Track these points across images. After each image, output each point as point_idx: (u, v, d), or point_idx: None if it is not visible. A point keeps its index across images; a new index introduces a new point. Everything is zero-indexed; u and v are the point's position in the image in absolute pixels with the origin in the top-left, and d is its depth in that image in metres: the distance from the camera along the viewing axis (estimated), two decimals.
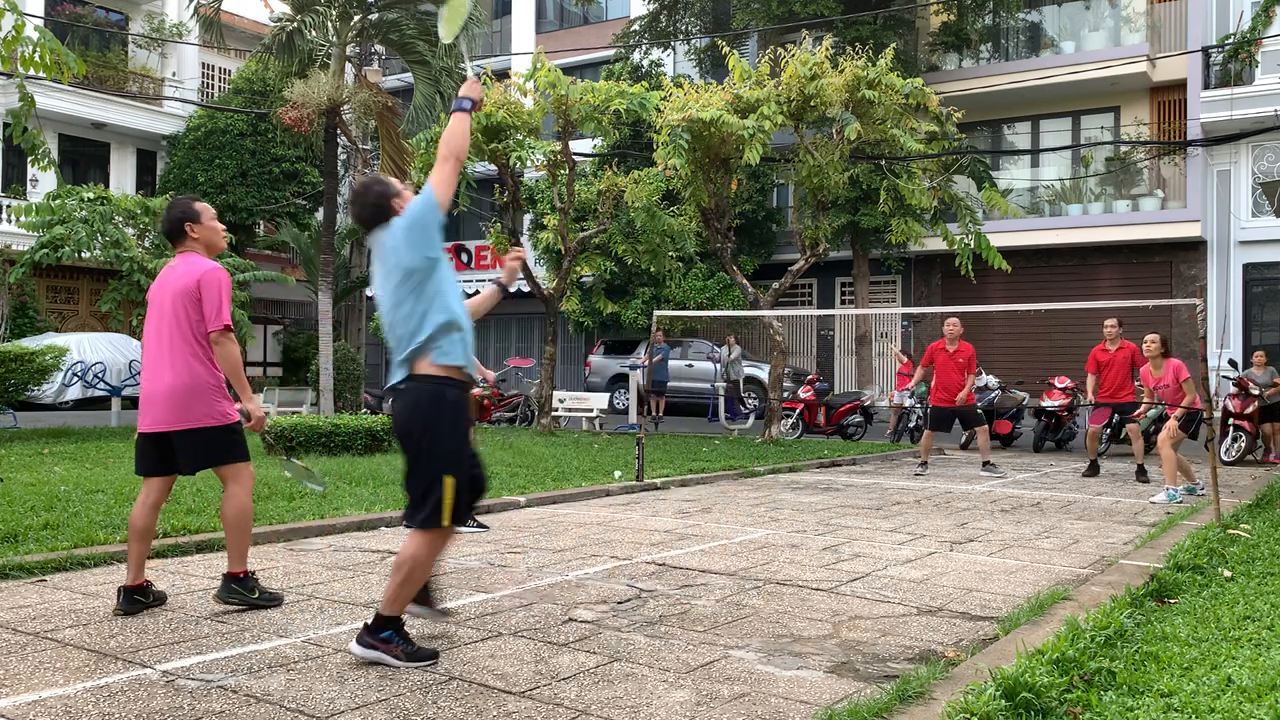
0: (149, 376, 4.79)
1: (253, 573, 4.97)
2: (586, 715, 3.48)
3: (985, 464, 12.04)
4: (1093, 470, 12.14)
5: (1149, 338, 10.29)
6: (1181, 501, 9.57)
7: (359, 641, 4.00)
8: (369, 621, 4.03)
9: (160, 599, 4.91)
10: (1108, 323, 11.62)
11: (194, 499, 7.84)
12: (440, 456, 3.93)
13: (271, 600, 4.94)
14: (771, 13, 22.36)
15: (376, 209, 4.07)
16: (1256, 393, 13.62)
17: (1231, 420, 13.59)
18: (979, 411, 12.28)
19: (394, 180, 4.17)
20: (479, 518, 7.60)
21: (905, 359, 18.67)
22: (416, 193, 4.10)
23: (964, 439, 15.84)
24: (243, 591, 4.88)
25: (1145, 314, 21.16)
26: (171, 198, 4.49)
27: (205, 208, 4.97)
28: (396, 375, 4.03)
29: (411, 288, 3.95)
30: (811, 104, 14.92)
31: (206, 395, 4.71)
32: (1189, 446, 14.99)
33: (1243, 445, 13.59)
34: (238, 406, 4.91)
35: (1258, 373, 14.27)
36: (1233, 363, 15.23)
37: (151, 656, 4.06)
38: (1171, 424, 9.78)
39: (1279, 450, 14.12)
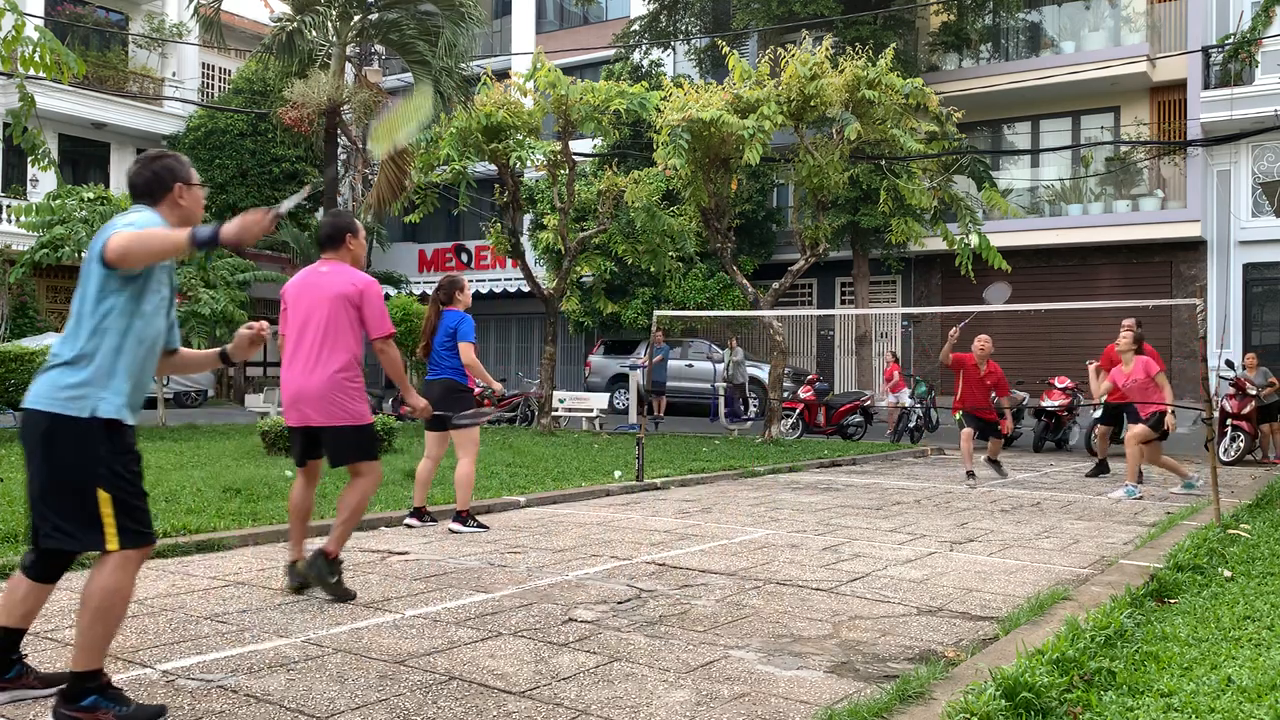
0: (299, 372, 5.00)
1: (341, 560, 5.17)
2: (586, 715, 3.48)
3: (990, 460, 11.63)
4: (1100, 469, 12.14)
5: (1125, 323, 10.29)
6: (1140, 498, 9.77)
7: (55, 716, 3.21)
8: (64, 689, 3.25)
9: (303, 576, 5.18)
10: (1125, 323, 11.20)
11: (194, 499, 7.84)
12: (76, 475, 3.24)
13: (344, 595, 5.09)
14: (771, 13, 22.35)
15: (155, 179, 3.53)
16: (1253, 393, 13.64)
17: (1230, 421, 13.61)
18: (998, 427, 11.59)
19: (191, 169, 3.65)
20: (479, 518, 7.60)
21: (893, 360, 18.67)
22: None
23: None
24: (326, 570, 5.06)
25: (1145, 314, 21.14)
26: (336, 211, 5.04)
27: (361, 226, 5.24)
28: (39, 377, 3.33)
29: (92, 284, 3.30)
30: (811, 104, 14.93)
31: (350, 395, 4.98)
32: (1188, 445, 14.99)
33: (1241, 445, 13.60)
34: (405, 409, 5.60)
35: (1250, 374, 14.31)
36: (1229, 363, 15.24)
37: (151, 656, 4.06)
38: (1141, 426, 9.88)
39: (1278, 450, 14.13)
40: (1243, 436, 13.63)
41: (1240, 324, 21.32)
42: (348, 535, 5.17)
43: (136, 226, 3.31)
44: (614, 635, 4.51)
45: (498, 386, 7.85)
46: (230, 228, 3.20)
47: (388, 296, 24.65)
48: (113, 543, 3.27)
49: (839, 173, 15.46)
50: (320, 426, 4.98)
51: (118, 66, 28.67)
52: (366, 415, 5.04)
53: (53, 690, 3.43)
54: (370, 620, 4.71)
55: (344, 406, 4.95)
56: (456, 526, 7.32)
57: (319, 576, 5.05)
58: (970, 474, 11.26)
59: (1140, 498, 9.80)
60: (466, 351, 7.22)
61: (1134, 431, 10.04)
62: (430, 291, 7.82)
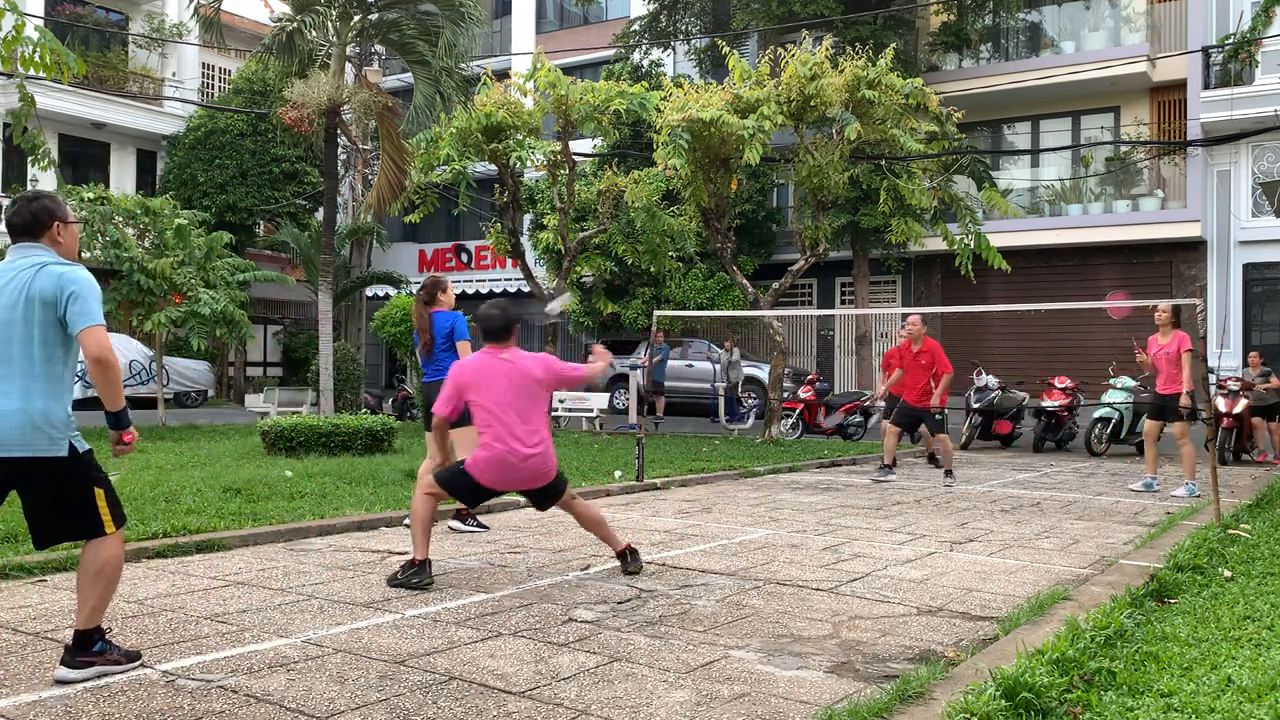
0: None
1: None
2: (586, 715, 3.48)
3: (946, 472, 10.99)
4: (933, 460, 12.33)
5: (1161, 306, 10.24)
6: (1199, 495, 9.70)
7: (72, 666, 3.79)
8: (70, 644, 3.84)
9: None
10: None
11: (194, 499, 7.84)
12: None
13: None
14: (771, 13, 22.35)
15: (34, 219, 3.89)
16: (1236, 388, 13.65)
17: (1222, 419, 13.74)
18: (938, 418, 10.94)
19: (66, 208, 4.01)
20: (479, 517, 7.60)
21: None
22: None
23: (964, 439, 15.83)
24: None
25: (1145, 314, 21.14)
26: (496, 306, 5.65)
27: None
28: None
29: (46, 335, 3.74)
30: (811, 104, 14.92)
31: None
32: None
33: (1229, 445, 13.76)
34: None
35: (1252, 373, 14.35)
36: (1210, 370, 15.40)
37: (151, 657, 4.06)
38: (1180, 423, 9.85)
39: (1277, 450, 14.15)
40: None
41: (1240, 324, 21.33)
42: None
43: (82, 295, 3.76)
44: (614, 635, 4.51)
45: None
46: (132, 433, 3.95)
47: (387, 297, 24.67)
48: None
49: (839, 173, 15.45)
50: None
51: (118, 66, 28.66)
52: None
53: None
54: (370, 620, 4.71)
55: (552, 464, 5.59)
56: (456, 524, 7.32)
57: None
58: (888, 467, 11.26)
59: (1199, 495, 9.67)
60: (465, 350, 7.21)
61: (1177, 429, 9.96)
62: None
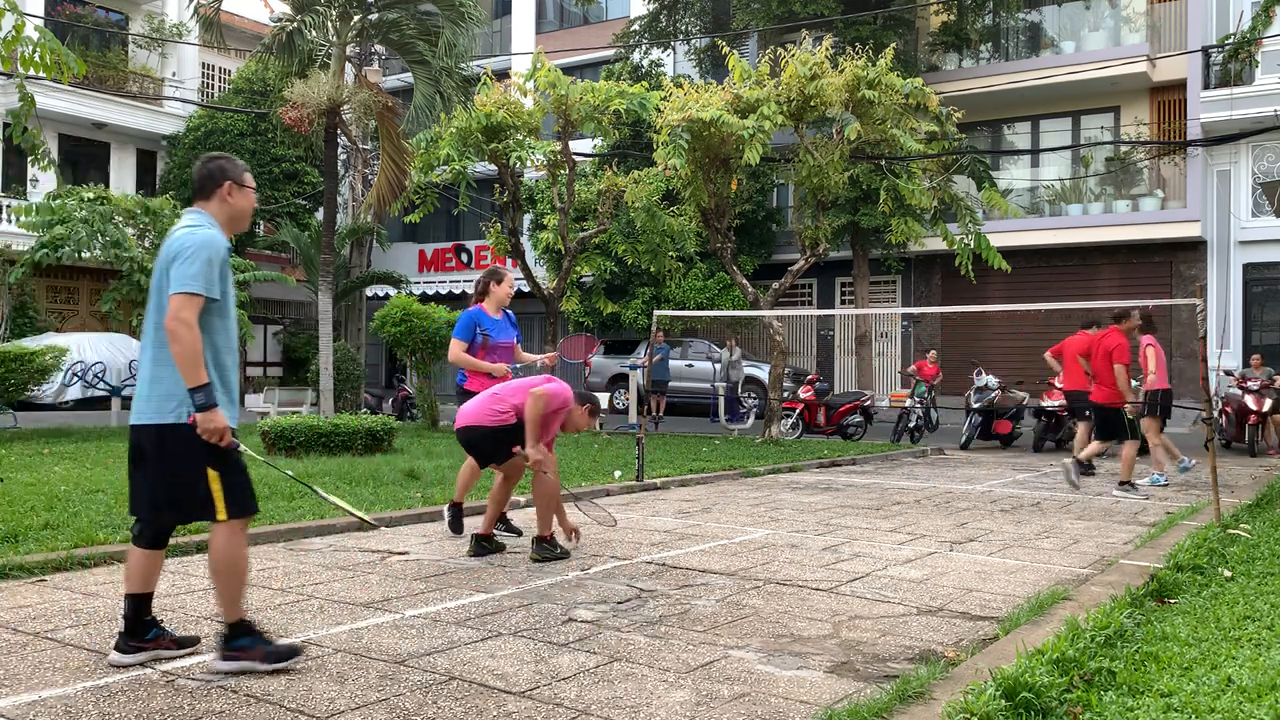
0: None
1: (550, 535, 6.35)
2: (586, 715, 3.48)
3: (1122, 483, 10.08)
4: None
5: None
6: (1165, 484, 10.51)
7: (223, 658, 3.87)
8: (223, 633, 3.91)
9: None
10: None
11: None
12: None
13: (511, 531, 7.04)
14: (771, 13, 22.36)
15: (208, 177, 3.98)
16: (1255, 388, 13.89)
17: (1251, 417, 14.17)
18: (1129, 419, 9.93)
19: (245, 172, 4.04)
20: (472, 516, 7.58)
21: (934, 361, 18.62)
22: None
23: (964, 439, 15.82)
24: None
25: (1145, 314, 21.14)
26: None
27: None
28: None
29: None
30: (811, 104, 14.92)
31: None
32: (1187, 446, 14.99)
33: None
34: None
35: (1256, 373, 14.49)
36: (1229, 372, 15.57)
37: (151, 656, 4.06)
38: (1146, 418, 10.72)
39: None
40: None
41: (1240, 324, 21.33)
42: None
43: (195, 244, 3.76)
44: (614, 635, 4.51)
45: (499, 368, 7.03)
46: (206, 417, 3.76)
47: (387, 297, 24.65)
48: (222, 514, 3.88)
49: (839, 173, 15.45)
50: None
51: (118, 66, 28.66)
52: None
53: (185, 651, 4.01)
54: (370, 620, 4.70)
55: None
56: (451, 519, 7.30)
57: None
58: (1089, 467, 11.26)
59: (1165, 484, 10.49)
60: (455, 347, 7.03)
61: (1145, 424, 10.76)
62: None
